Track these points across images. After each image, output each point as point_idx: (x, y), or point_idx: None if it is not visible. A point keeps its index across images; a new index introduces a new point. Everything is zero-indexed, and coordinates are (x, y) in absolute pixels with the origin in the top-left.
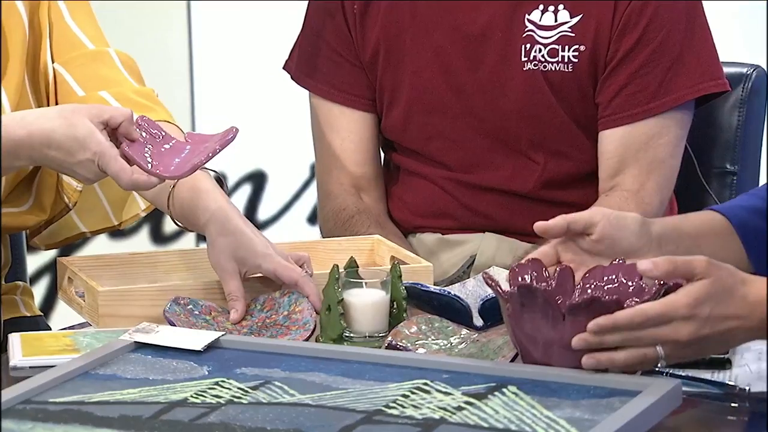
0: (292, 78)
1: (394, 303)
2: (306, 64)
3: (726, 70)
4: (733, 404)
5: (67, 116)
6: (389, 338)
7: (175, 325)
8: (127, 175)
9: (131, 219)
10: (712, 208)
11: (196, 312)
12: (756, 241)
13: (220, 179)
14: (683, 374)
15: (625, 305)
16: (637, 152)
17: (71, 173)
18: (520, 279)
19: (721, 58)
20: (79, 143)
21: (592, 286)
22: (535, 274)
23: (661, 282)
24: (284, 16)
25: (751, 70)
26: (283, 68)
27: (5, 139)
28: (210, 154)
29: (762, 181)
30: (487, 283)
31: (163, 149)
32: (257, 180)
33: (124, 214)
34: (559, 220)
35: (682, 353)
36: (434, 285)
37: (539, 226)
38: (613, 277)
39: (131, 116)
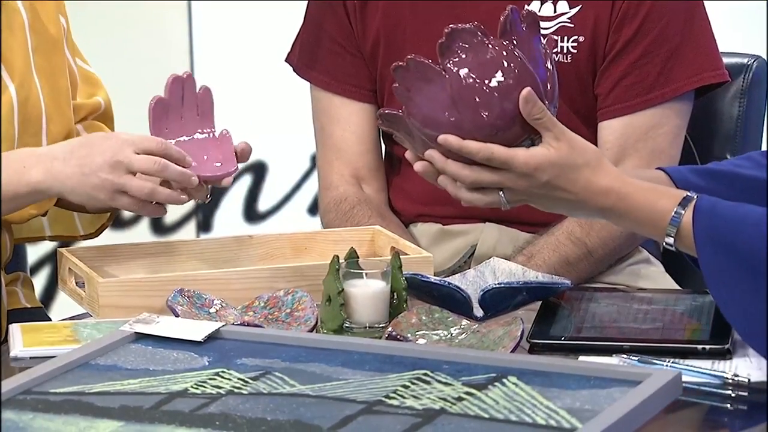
0: (294, 70)
1: (395, 294)
2: (307, 56)
3: (726, 60)
4: (733, 394)
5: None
6: (389, 329)
7: (177, 315)
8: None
9: (97, 231)
10: (659, 168)
11: (200, 304)
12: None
13: None
14: (683, 364)
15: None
16: (637, 142)
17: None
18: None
19: (722, 49)
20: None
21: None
22: None
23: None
24: (285, 7)
25: (752, 60)
26: (286, 60)
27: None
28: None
29: None
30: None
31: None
32: (258, 171)
33: (90, 226)
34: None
35: (519, 199)
36: (435, 275)
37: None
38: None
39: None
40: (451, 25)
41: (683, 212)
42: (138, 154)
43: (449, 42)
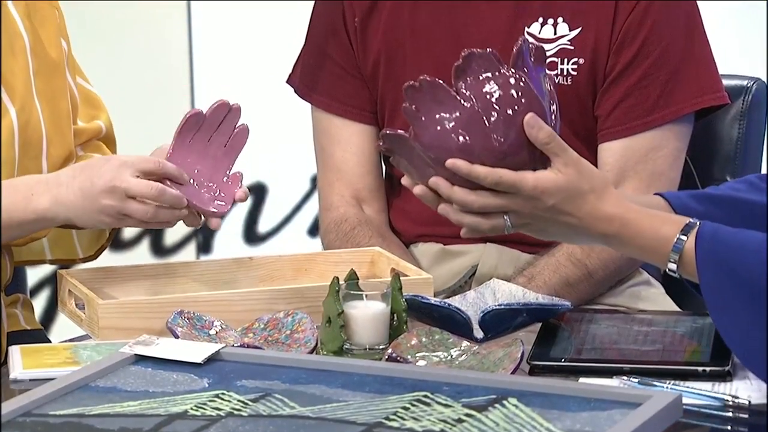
0: (295, 92)
1: (395, 315)
2: (309, 78)
3: (726, 82)
4: (733, 416)
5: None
6: (390, 350)
7: (177, 337)
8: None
9: (96, 253)
10: (657, 193)
11: (199, 325)
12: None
13: None
14: (684, 386)
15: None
16: (637, 164)
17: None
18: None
19: (721, 71)
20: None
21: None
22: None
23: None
24: (284, 27)
25: (752, 82)
26: (287, 82)
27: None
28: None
29: None
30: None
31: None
32: (258, 192)
33: (89, 248)
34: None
35: (523, 223)
36: (435, 296)
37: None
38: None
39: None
40: (467, 49)
41: (686, 239)
42: (137, 176)
43: (465, 66)
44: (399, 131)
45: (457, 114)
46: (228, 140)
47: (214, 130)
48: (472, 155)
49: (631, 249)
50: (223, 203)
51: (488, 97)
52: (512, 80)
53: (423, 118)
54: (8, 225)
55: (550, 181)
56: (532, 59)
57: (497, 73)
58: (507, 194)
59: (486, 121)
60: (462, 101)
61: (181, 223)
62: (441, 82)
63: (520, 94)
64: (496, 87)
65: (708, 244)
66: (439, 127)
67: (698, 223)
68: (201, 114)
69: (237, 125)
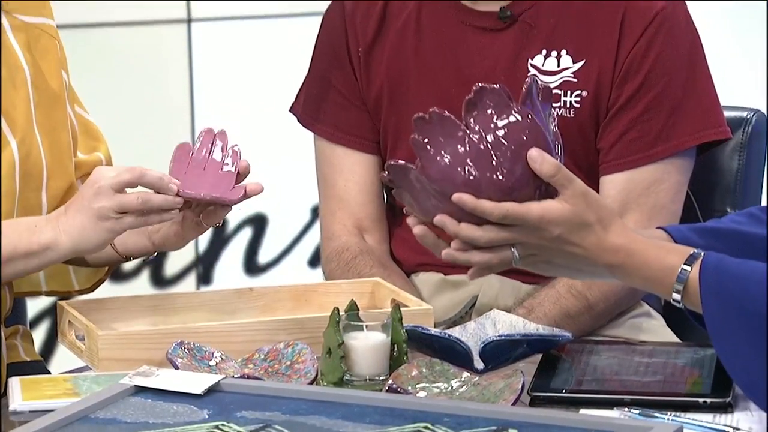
0: (298, 121)
1: (395, 346)
2: (312, 107)
3: (726, 114)
4: None
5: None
6: (390, 381)
7: (177, 368)
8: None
9: (93, 286)
10: (659, 227)
11: (199, 356)
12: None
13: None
14: (685, 418)
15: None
16: (639, 198)
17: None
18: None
19: (721, 102)
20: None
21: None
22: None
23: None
24: (286, 55)
25: (751, 114)
26: (290, 111)
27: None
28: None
29: None
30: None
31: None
32: (258, 223)
33: (86, 281)
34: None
35: (530, 254)
36: (435, 326)
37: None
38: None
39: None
40: (479, 84)
41: (690, 269)
42: (118, 191)
43: (476, 100)
44: (404, 163)
45: (466, 148)
46: (222, 165)
47: (207, 158)
48: (479, 189)
49: (635, 280)
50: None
51: (497, 132)
52: (520, 117)
53: (431, 151)
54: (13, 257)
55: (556, 212)
56: (540, 98)
57: (507, 109)
58: (513, 227)
59: (493, 156)
60: (471, 135)
61: (181, 253)
62: (450, 115)
63: (527, 131)
64: (505, 123)
65: (712, 275)
66: (446, 160)
67: (702, 254)
68: (188, 145)
69: (228, 147)
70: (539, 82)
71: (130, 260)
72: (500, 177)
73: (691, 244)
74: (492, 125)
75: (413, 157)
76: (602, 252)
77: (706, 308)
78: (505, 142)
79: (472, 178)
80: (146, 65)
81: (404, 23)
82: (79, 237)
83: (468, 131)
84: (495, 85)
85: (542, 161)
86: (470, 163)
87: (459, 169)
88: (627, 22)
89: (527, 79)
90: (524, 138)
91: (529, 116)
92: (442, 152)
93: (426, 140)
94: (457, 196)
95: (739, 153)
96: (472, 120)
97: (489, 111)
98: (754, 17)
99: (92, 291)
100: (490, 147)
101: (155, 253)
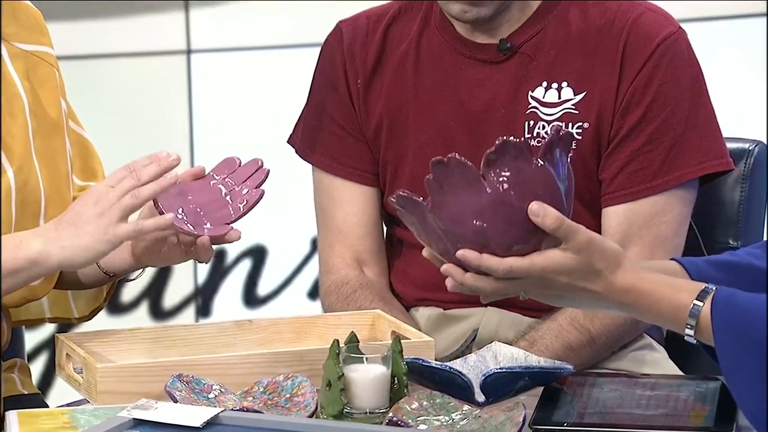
0: (296, 152)
1: (395, 378)
2: (310, 138)
3: (728, 145)
4: None
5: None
6: (390, 414)
7: (176, 401)
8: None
9: (91, 314)
10: (674, 259)
11: (198, 389)
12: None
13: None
14: None
15: None
16: (641, 229)
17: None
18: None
19: (723, 134)
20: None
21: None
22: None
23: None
24: (285, 88)
25: (753, 145)
26: (288, 142)
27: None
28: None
29: None
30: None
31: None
32: (257, 255)
33: (86, 308)
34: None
35: (539, 293)
36: (436, 360)
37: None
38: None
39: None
40: (503, 137)
41: (701, 304)
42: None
43: (498, 154)
44: (415, 197)
45: (480, 199)
46: (228, 204)
47: (221, 192)
48: (485, 240)
49: (647, 316)
50: (234, 213)
51: (514, 188)
52: (538, 174)
53: (445, 195)
54: (3, 273)
55: (559, 262)
56: (560, 145)
57: (528, 166)
58: (519, 279)
59: (508, 213)
60: (487, 187)
61: (180, 285)
62: (470, 163)
63: (543, 187)
64: (522, 179)
65: (723, 309)
66: (458, 208)
67: (714, 289)
68: (233, 160)
69: (254, 189)
70: (561, 131)
71: (112, 276)
72: (509, 232)
73: (706, 277)
74: (510, 181)
75: (412, 189)
76: (613, 294)
77: (717, 342)
78: (522, 201)
79: (481, 227)
80: (146, 96)
81: (403, 54)
82: (72, 248)
83: (486, 183)
84: (518, 139)
85: (544, 215)
86: (482, 214)
87: (470, 218)
88: (628, 53)
89: (551, 132)
90: (539, 194)
91: (548, 174)
92: (456, 199)
93: (441, 184)
94: (461, 254)
95: (741, 184)
96: (492, 173)
97: (509, 167)
98: (755, 49)
99: (90, 318)
100: (504, 203)
101: (140, 271)
